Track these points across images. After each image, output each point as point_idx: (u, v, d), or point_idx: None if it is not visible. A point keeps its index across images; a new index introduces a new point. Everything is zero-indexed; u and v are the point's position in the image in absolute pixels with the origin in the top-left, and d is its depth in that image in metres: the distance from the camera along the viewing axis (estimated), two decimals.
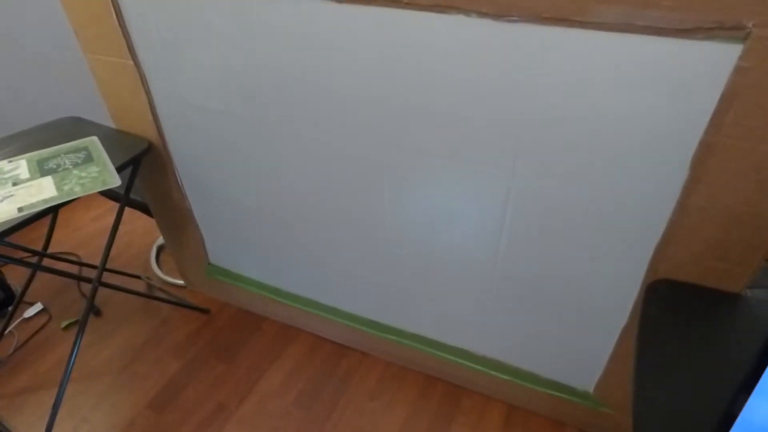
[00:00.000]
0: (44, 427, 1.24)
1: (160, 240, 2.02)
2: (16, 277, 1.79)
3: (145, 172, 1.40)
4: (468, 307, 1.21)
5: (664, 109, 0.74)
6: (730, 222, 0.79)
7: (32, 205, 1.04)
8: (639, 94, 0.75)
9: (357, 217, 1.18)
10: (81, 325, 1.30)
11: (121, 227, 1.33)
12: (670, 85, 0.72)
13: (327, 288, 1.42)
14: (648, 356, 0.74)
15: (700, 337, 0.77)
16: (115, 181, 1.12)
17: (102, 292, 1.41)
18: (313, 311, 1.46)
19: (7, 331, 1.57)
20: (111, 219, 1.31)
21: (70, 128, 1.36)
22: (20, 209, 1.03)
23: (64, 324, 1.62)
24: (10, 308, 1.60)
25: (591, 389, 1.18)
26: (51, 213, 1.35)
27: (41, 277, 1.81)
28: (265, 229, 1.37)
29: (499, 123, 0.87)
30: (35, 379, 1.45)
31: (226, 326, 1.61)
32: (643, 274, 0.91)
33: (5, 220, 1.00)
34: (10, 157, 1.21)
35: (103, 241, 1.37)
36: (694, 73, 0.70)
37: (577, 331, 1.09)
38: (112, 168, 1.16)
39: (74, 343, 1.29)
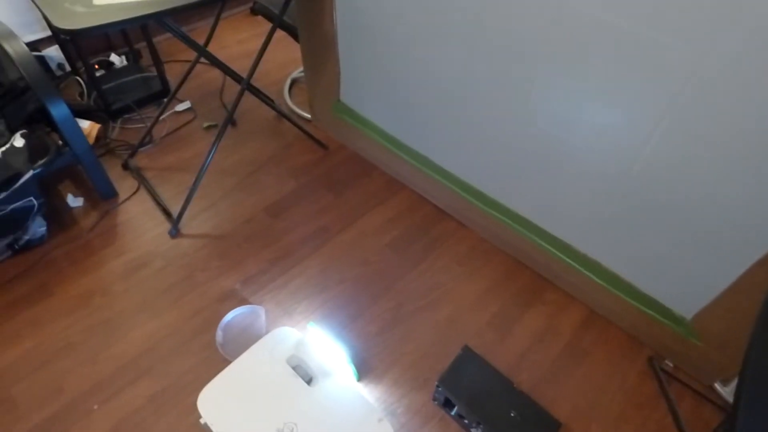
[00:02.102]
0: (183, 200, 1.46)
1: (295, 74, 2.11)
2: (173, 75, 2.00)
3: None
4: (584, 205, 1.16)
5: None
6: None
7: None
8: None
9: (498, 87, 1.13)
10: (222, 127, 1.45)
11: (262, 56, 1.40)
12: None
13: (445, 150, 1.43)
14: None
15: None
16: None
17: (238, 107, 1.54)
18: (425, 169, 1.50)
19: (161, 118, 1.80)
20: (255, 44, 1.38)
21: None
22: None
23: (205, 124, 1.82)
24: (165, 99, 1.83)
25: (689, 316, 1.13)
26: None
27: (192, 81, 2.00)
28: (402, 78, 1.37)
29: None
30: (179, 162, 1.68)
31: (340, 165, 1.71)
32: None
33: None
34: None
35: (247, 63, 1.45)
36: None
37: (701, 254, 1.02)
38: None
39: (213, 143, 1.45)
